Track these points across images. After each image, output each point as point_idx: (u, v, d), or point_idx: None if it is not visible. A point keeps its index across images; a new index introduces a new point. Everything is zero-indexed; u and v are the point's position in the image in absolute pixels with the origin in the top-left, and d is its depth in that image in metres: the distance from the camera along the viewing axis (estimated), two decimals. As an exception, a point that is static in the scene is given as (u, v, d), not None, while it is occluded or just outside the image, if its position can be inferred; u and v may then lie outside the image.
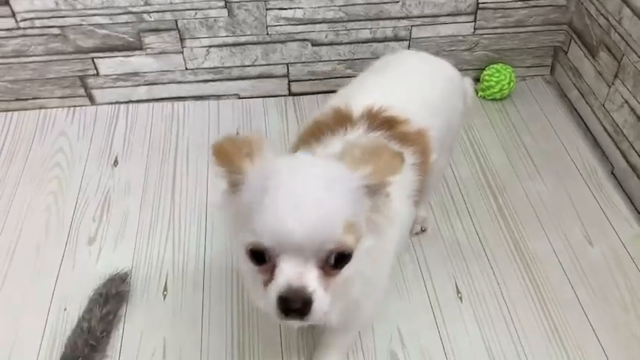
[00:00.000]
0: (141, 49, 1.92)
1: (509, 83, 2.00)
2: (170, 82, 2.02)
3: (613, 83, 1.75)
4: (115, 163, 1.81)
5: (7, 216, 1.63)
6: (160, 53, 1.94)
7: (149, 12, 1.84)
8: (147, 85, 2.01)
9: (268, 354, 1.33)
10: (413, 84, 1.21)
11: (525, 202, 1.67)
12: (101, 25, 1.85)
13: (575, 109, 1.99)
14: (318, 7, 1.88)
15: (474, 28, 2.00)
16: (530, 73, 2.13)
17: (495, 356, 1.32)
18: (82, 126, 1.95)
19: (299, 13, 1.89)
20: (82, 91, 2.00)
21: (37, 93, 1.98)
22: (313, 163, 0.89)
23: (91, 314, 1.34)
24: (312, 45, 1.97)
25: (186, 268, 1.50)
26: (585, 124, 1.93)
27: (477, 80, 2.03)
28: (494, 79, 2.00)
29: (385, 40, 1.98)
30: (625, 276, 1.48)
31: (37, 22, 1.82)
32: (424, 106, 1.15)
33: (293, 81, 2.06)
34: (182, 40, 1.92)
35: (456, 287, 1.46)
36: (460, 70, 1.33)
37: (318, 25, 1.93)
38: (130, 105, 2.03)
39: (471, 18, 1.97)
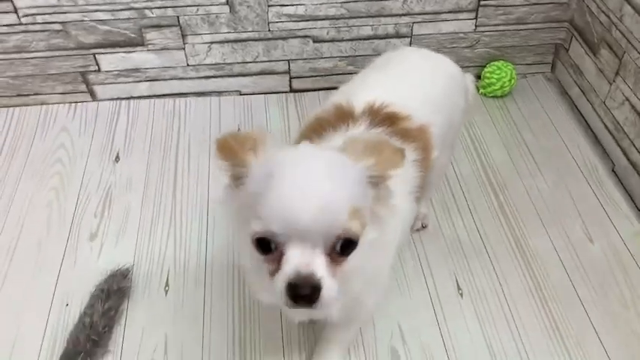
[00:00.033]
0: (142, 45, 1.92)
1: (510, 80, 2.00)
2: (172, 79, 2.02)
3: (614, 81, 1.75)
4: (117, 159, 1.81)
5: (8, 212, 1.64)
6: (162, 49, 1.94)
7: (151, 8, 1.84)
8: (148, 81, 2.01)
9: (270, 350, 1.33)
10: (414, 81, 1.21)
11: (526, 200, 1.68)
12: (103, 21, 1.85)
13: (576, 107, 1.99)
14: (320, 4, 1.88)
15: (475, 26, 2.00)
16: (531, 70, 2.14)
17: (496, 353, 1.32)
18: (83, 122, 1.95)
19: (300, 10, 1.89)
20: (83, 87, 2.00)
21: (38, 89, 1.98)
22: (318, 152, 0.90)
23: (93, 310, 1.34)
24: (314, 42, 1.97)
25: (188, 264, 1.51)
26: (586, 121, 1.93)
27: (477, 77, 2.03)
28: (495, 77, 2.00)
29: (387, 36, 1.98)
30: (625, 273, 1.48)
31: (39, 18, 1.82)
32: (426, 102, 1.15)
33: (294, 77, 2.06)
34: (184, 36, 1.92)
35: (457, 284, 1.46)
36: (461, 67, 1.33)
37: (319, 22, 1.93)
38: (132, 101, 2.03)
39: (473, 15, 1.97)
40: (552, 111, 1.99)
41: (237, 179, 0.84)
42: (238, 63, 2.00)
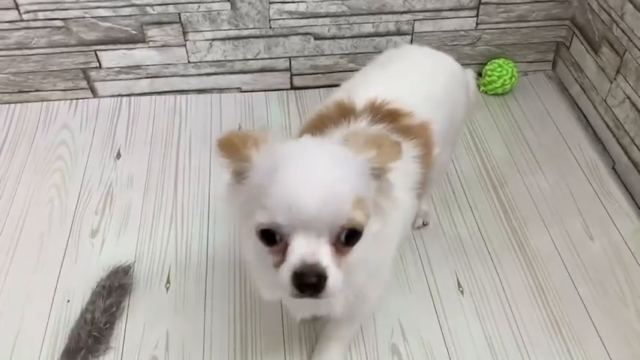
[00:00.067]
0: (143, 42, 1.92)
1: (510, 78, 2.00)
2: (173, 75, 2.02)
3: (615, 79, 1.75)
4: (118, 155, 1.81)
5: (10, 208, 1.64)
6: (163, 46, 1.94)
7: (152, 5, 1.84)
8: (149, 78, 2.01)
9: (271, 346, 1.33)
10: (416, 78, 1.22)
11: (527, 197, 1.68)
12: (104, 18, 1.85)
13: (577, 105, 1.99)
14: (321, 1, 1.88)
15: (477, 23, 2.00)
16: (532, 68, 2.14)
17: (496, 350, 1.32)
18: (84, 118, 1.95)
19: (302, 7, 1.89)
20: (84, 84, 2.00)
21: (39, 85, 1.98)
22: (320, 144, 0.91)
23: (95, 306, 1.35)
24: (315, 39, 1.97)
25: (189, 261, 1.51)
26: (587, 119, 1.93)
27: (479, 75, 2.04)
28: (497, 74, 2.00)
29: (388, 34, 1.98)
30: (625, 271, 1.49)
31: (40, 15, 1.82)
32: (427, 99, 1.16)
33: (295, 75, 2.06)
34: (185, 33, 1.92)
35: (458, 281, 1.47)
36: (462, 64, 1.33)
37: (320, 19, 1.93)
38: (133, 98, 2.03)
39: (474, 13, 1.97)
40: (553, 109, 1.99)
41: (240, 174, 0.85)
42: (239, 60, 2.00)
